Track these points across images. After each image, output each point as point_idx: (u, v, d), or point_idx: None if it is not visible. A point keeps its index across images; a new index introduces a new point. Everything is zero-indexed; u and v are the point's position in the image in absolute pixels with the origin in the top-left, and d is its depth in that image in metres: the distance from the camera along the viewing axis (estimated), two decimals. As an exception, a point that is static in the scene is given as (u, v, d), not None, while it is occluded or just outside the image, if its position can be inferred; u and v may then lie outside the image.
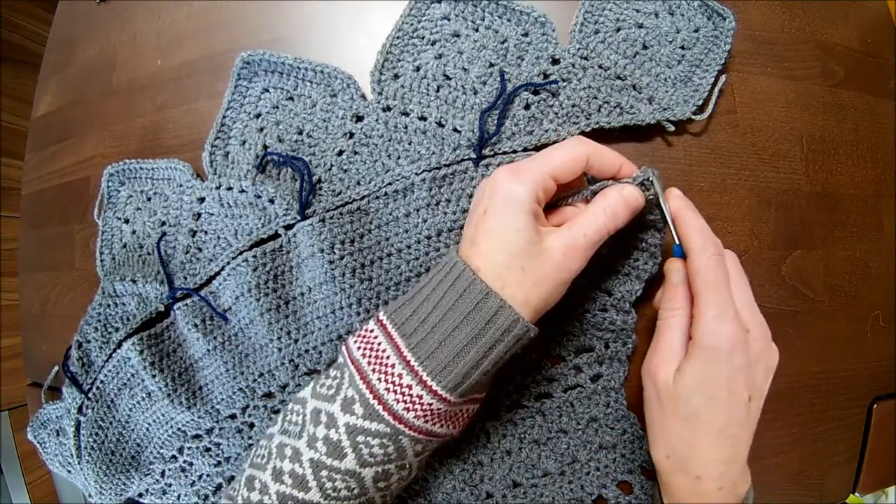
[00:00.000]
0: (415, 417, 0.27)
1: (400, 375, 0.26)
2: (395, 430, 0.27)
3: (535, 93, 0.35)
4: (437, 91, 0.37)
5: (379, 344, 0.28)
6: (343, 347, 0.30)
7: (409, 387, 0.26)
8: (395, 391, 0.26)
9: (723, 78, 0.35)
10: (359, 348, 0.28)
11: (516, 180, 0.27)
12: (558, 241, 0.27)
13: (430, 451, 0.30)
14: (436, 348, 0.26)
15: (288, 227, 0.37)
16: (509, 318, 0.26)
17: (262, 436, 0.32)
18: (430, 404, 0.26)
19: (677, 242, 0.28)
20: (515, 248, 0.26)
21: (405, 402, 0.26)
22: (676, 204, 0.29)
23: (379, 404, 0.27)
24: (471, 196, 0.34)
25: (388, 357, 0.27)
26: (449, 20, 0.37)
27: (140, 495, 0.43)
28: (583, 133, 0.34)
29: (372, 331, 0.29)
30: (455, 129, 0.36)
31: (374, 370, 0.27)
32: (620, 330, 0.34)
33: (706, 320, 0.26)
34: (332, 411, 0.27)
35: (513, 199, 0.27)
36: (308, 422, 0.28)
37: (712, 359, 0.26)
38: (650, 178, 0.29)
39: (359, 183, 0.37)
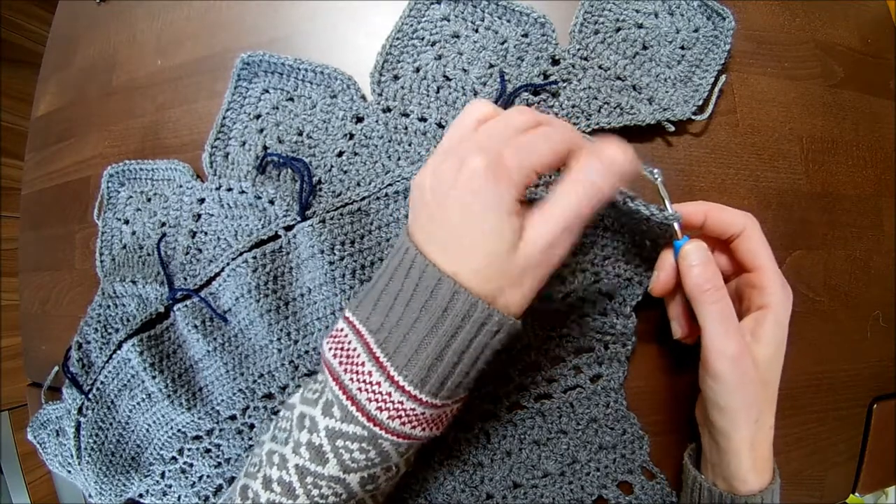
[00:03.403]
0: (388, 419, 0.25)
1: (370, 373, 0.25)
2: (371, 434, 0.26)
3: (535, 93, 0.35)
4: (437, 92, 0.37)
5: (349, 343, 0.27)
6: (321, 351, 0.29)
7: (379, 384, 0.25)
8: (366, 390, 0.25)
9: (723, 78, 0.35)
10: (330, 349, 0.27)
11: (497, 181, 0.24)
12: (536, 235, 0.25)
13: (415, 449, 0.30)
14: (401, 342, 0.25)
15: (288, 228, 0.37)
16: (466, 303, 0.24)
17: (257, 442, 0.32)
18: (401, 402, 0.25)
19: (679, 238, 0.28)
20: (494, 253, 0.24)
21: (377, 401, 0.25)
22: (694, 206, 0.30)
23: (353, 405, 0.26)
24: None
25: (358, 355, 0.26)
26: (448, 21, 0.37)
27: (140, 496, 0.43)
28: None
29: (342, 329, 0.27)
30: (455, 130, 0.36)
31: (345, 370, 0.26)
32: (621, 333, 0.34)
33: (780, 293, 0.28)
34: (314, 415, 0.27)
35: (493, 203, 0.24)
36: (294, 427, 0.28)
37: (784, 324, 0.29)
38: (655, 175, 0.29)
39: (359, 184, 0.37)
